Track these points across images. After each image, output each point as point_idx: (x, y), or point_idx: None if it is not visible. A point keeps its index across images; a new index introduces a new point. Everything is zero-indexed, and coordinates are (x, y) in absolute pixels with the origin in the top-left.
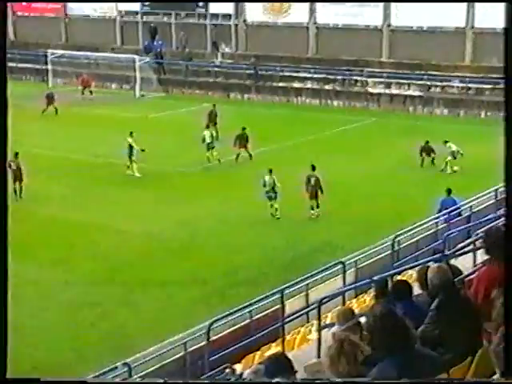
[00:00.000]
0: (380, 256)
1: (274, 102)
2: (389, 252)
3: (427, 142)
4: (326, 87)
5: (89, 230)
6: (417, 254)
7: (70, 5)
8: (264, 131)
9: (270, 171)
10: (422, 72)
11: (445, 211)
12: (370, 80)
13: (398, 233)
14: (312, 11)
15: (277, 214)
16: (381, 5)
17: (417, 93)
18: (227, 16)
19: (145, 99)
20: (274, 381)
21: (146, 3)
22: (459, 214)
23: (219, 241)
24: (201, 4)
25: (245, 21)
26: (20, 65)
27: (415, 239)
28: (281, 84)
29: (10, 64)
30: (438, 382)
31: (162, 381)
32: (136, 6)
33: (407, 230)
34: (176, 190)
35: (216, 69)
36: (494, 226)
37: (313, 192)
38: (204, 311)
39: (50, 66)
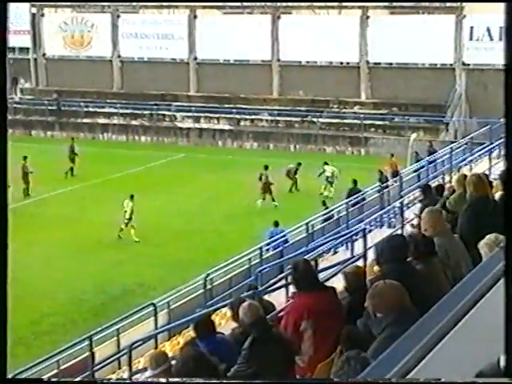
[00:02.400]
0: (193, 296)
1: (79, 138)
2: (201, 291)
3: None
4: (133, 123)
5: None
6: (230, 291)
7: None
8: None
9: (132, 197)
10: (231, 105)
11: (270, 241)
12: (178, 114)
13: (210, 271)
14: (115, 44)
15: (134, 238)
16: (186, 38)
17: (226, 127)
18: (25, 50)
19: None
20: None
21: None
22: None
23: (23, 287)
24: None
25: (44, 55)
26: None
27: (228, 276)
28: (85, 120)
29: None
30: (437, 381)
31: (165, 380)
32: None
33: (219, 268)
34: None
35: (15, 105)
36: (300, 259)
37: None
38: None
39: None
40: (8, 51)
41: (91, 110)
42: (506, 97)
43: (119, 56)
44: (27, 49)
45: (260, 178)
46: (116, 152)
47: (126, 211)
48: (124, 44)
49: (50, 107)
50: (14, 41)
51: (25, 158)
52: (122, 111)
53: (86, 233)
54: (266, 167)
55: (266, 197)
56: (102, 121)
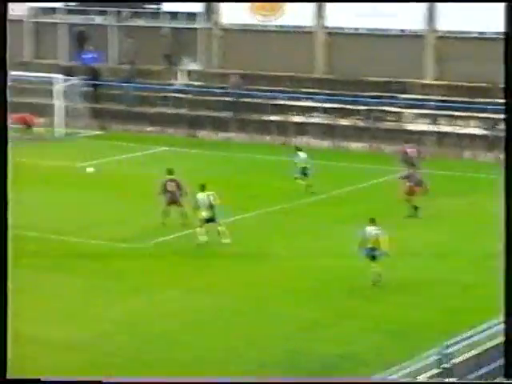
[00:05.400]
0: (422, 375)
1: (264, 143)
2: (435, 371)
3: None
4: (343, 122)
5: None
6: (480, 373)
7: None
8: (252, 187)
9: (373, 220)
10: (488, 100)
11: None
12: (407, 112)
13: (449, 342)
14: (319, 10)
15: (378, 280)
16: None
17: (477, 130)
18: (192, 16)
19: (71, 140)
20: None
21: None
22: None
23: (179, 353)
24: None
25: (219, 23)
26: None
27: (475, 352)
28: (273, 117)
29: None
30: (439, 382)
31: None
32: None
33: (463, 338)
34: (114, 278)
35: (177, 94)
36: None
37: None
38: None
39: None
40: (170, 17)
41: (282, 102)
42: (506, 97)
43: (325, 26)
44: (195, 15)
45: None
46: (315, 163)
47: None
48: (332, 9)
49: (224, 98)
50: (177, 4)
51: (170, 172)
52: (326, 105)
53: (275, 277)
54: None
55: None
56: (297, 119)
